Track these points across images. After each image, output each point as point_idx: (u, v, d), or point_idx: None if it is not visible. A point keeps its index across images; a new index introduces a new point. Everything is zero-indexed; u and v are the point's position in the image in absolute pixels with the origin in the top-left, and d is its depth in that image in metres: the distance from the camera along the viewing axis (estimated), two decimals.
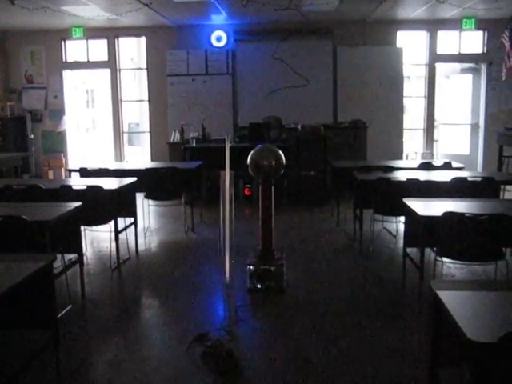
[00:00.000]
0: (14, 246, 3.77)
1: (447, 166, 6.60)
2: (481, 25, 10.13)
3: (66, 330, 3.81)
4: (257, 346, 3.68)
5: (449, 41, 10.51)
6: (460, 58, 10.61)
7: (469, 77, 10.89)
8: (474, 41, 10.48)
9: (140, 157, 12.36)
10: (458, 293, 2.35)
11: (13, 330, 2.89)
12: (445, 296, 2.27)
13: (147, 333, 3.94)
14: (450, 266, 4.99)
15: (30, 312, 2.86)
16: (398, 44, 10.36)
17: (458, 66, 11.01)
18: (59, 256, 4.12)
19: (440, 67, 10.76)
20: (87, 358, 3.55)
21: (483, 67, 10.53)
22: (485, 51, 10.42)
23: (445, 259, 4.13)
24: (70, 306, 4.25)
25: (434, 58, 10.56)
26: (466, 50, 10.53)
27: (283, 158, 4.69)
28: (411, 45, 10.62)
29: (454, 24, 10.15)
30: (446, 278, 4.82)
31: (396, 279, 4.83)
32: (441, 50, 10.53)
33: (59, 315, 3.76)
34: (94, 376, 3.32)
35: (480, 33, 10.38)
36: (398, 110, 10.20)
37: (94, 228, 5.50)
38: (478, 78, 10.69)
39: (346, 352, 3.51)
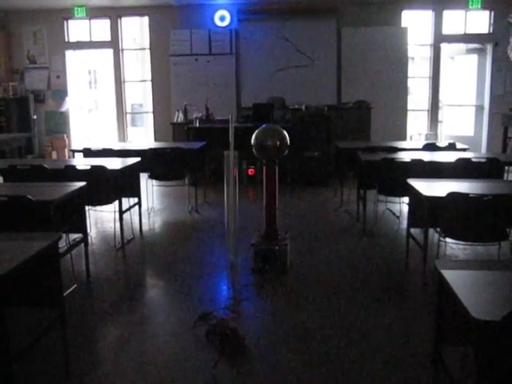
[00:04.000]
0: (19, 225, 3.79)
1: (451, 147, 6.58)
2: (487, 4, 10.01)
3: (72, 308, 3.85)
4: (260, 325, 3.71)
5: (454, 21, 10.38)
6: (465, 38, 10.49)
7: (474, 57, 10.78)
8: (479, 21, 10.34)
9: (143, 137, 12.34)
10: (463, 272, 2.36)
11: (20, 308, 2.91)
12: (449, 275, 2.28)
13: (152, 311, 3.97)
14: (453, 246, 5.00)
15: (37, 290, 2.88)
16: (403, 24, 10.24)
17: (463, 46, 10.89)
18: (64, 236, 4.15)
19: (445, 48, 10.65)
20: (93, 336, 3.59)
21: (489, 48, 10.40)
22: (491, 31, 10.28)
23: (448, 240, 4.14)
24: (75, 286, 4.29)
25: (439, 38, 10.43)
26: (471, 30, 10.40)
27: (288, 139, 4.66)
28: (416, 25, 10.49)
29: (460, 3, 10.04)
30: (449, 259, 4.83)
31: (399, 259, 4.85)
32: (446, 30, 10.40)
33: (65, 294, 3.79)
34: (100, 354, 3.36)
35: (486, 12, 10.24)
36: (402, 91, 10.12)
37: (98, 208, 5.51)
38: (484, 59, 10.58)
39: (349, 331, 3.53)
